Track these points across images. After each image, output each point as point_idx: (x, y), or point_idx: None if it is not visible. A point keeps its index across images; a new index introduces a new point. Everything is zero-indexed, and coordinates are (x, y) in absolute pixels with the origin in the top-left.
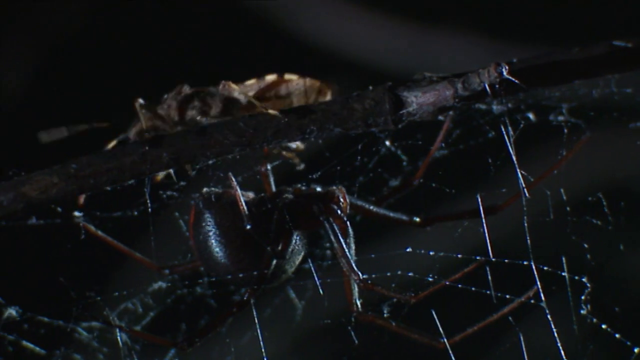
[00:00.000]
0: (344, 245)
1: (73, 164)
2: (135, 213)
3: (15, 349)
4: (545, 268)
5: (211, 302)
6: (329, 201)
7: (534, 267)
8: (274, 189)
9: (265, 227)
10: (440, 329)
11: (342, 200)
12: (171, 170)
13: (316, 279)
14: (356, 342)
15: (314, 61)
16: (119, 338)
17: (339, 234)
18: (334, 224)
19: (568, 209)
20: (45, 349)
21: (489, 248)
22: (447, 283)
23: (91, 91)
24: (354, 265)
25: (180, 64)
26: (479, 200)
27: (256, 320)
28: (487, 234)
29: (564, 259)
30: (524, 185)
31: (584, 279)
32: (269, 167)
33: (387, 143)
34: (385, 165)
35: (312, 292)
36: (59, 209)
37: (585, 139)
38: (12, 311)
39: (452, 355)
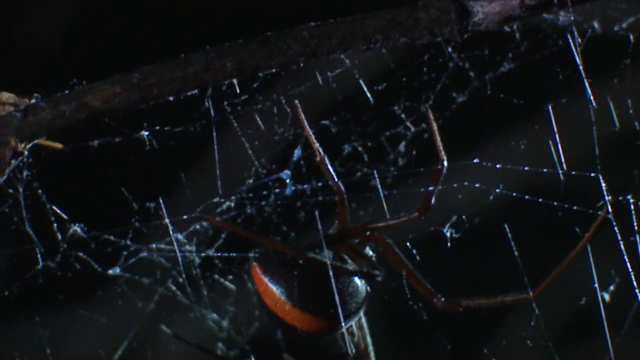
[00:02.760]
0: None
1: (136, 73)
2: (198, 128)
3: (81, 267)
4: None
5: (279, 220)
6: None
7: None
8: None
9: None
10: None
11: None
12: (234, 81)
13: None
14: None
15: None
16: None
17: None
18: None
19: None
20: (111, 268)
21: (562, 158)
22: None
23: None
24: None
25: None
26: (550, 110)
27: None
28: (559, 145)
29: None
30: (591, 95)
31: None
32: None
33: (454, 55)
34: (452, 79)
35: None
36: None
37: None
38: (77, 228)
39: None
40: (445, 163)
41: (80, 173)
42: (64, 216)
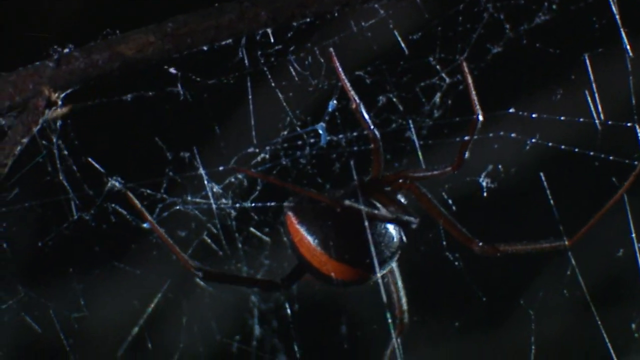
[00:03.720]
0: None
1: (170, 22)
2: (232, 80)
3: (115, 219)
4: None
5: (314, 171)
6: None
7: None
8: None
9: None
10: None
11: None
12: (268, 30)
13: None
14: None
15: None
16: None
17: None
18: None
19: None
20: (147, 222)
21: (598, 108)
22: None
23: None
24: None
25: None
26: (586, 60)
27: None
28: (595, 95)
29: None
30: (627, 45)
31: None
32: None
33: (489, 5)
34: (487, 29)
35: None
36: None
37: None
38: (115, 182)
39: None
40: (481, 117)
41: (114, 123)
42: (99, 168)
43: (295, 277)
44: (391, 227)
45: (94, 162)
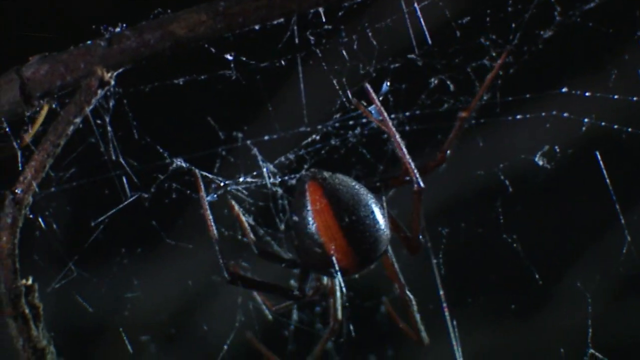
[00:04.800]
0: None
1: (222, 1)
2: (284, 61)
3: (178, 197)
4: None
5: (364, 151)
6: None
7: None
8: None
9: None
10: None
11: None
12: (320, 10)
13: None
14: None
15: None
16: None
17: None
18: None
19: None
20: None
21: None
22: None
23: None
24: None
25: None
26: None
27: None
28: None
29: None
30: None
31: None
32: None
33: None
34: (539, 9)
35: None
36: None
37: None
38: (179, 162)
39: None
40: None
41: (166, 103)
42: (157, 147)
43: (304, 281)
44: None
45: (152, 142)
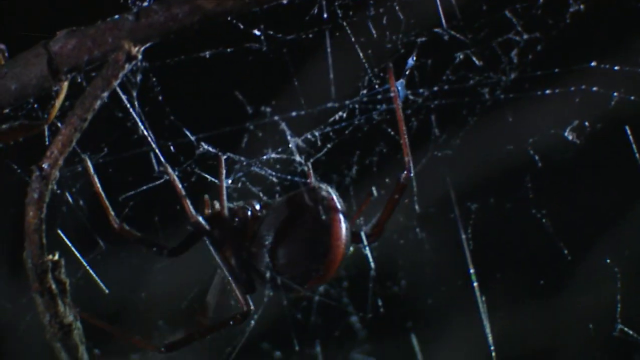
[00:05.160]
0: None
1: None
2: (311, 35)
3: (194, 176)
4: None
5: (388, 129)
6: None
7: None
8: None
9: None
10: None
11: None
12: None
13: None
14: None
15: None
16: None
17: None
18: None
19: None
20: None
21: None
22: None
23: None
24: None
25: None
26: None
27: None
28: None
29: None
30: None
31: None
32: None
33: None
34: None
35: None
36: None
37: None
38: (208, 148)
39: None
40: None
41: (194, 76)
42: (186, 131)
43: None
44: None
45: (179, 121)
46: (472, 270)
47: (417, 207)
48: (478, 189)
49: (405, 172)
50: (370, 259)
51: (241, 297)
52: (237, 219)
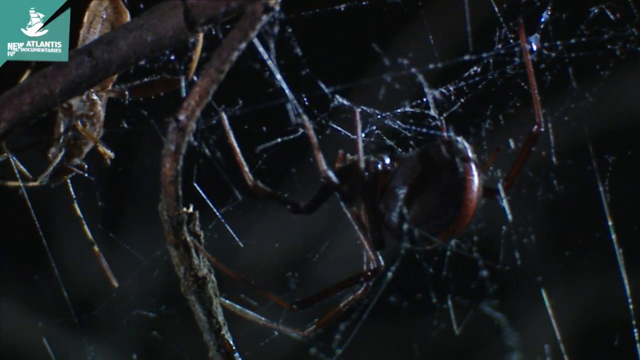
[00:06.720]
0: None
1: None
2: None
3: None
4: None
5: (522, 84)
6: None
7: None
8: None
9: None
10: None
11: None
12: None
13: None
14: None
15: None
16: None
17: None
18: None
19: None
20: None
21: None
22: None
23: None
24: None
25: None
26: None
27: None
28: None
29: None
30: None
31: None
32: None
33: None
34: None
35: None
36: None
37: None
38: (342, 101)
39: None
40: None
41: (329, 29)
42: (323, 86)
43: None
44: None
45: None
46: (610, 223)
47: (554, 159)
48: (615, 141)
49: (536, 126)
50: (507, 212)
51: (372, 253)
52: (366, 173)
